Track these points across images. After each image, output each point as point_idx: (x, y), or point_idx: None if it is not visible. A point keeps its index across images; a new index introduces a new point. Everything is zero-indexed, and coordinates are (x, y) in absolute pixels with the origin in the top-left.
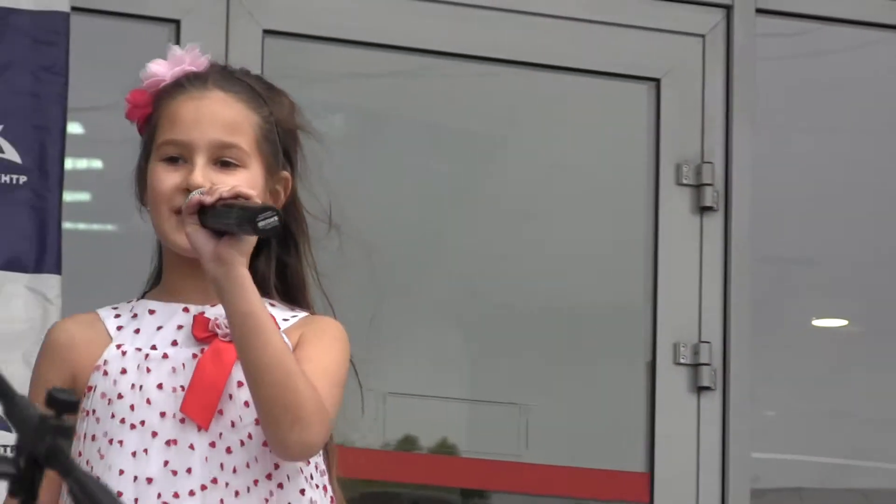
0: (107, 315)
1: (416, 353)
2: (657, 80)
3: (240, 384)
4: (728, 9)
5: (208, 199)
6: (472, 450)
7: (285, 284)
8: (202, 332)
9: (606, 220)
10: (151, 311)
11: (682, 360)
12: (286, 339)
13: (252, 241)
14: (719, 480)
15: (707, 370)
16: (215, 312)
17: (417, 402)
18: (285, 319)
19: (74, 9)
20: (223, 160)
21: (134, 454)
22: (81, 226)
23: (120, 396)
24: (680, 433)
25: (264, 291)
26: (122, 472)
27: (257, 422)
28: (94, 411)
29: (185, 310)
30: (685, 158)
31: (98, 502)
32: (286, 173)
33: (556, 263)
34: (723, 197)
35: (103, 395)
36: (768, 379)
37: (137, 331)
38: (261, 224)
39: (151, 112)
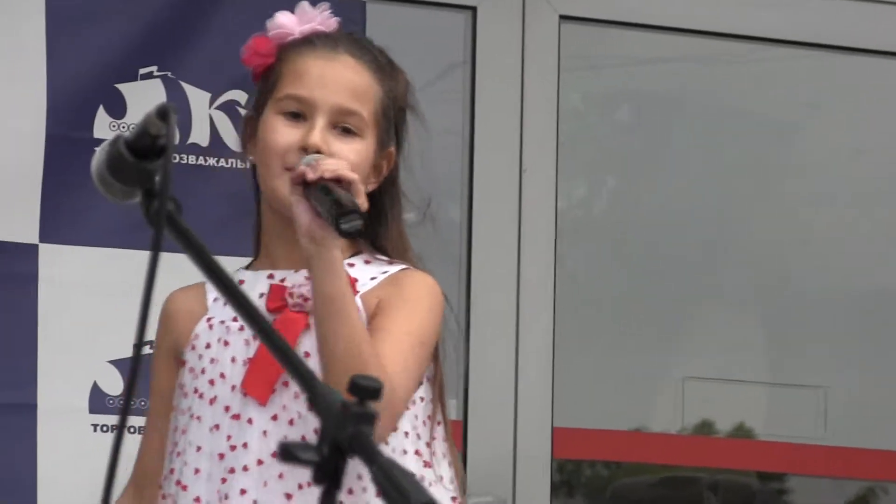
0: (210, 287)
1: (714, 336)
2: None
3: (307, 354)
4: None
5: (311, 176)
6: (770, 433)
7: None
8: (274, 303)
9: None
10: (241, 282)
11: None
12: (360, 306)
13: None
14: None
15: None
16: (296, 279)
17: (715, 386)
18: (373, 278)
19: None
20: (343, 126)
21: (212, 429)
22: None
23: (203, 371)
24: None
25: (389, 253)
26: (199, 448)
27: None
28: (182, 386)
29: (270, 276)
30: None
31: (402, 489)
32: (391, 149)
33: (855, 247)
34: None
35: (192, 369)
36: None
37: (225, 303)
38: (343, 226)
39: (274, 63)
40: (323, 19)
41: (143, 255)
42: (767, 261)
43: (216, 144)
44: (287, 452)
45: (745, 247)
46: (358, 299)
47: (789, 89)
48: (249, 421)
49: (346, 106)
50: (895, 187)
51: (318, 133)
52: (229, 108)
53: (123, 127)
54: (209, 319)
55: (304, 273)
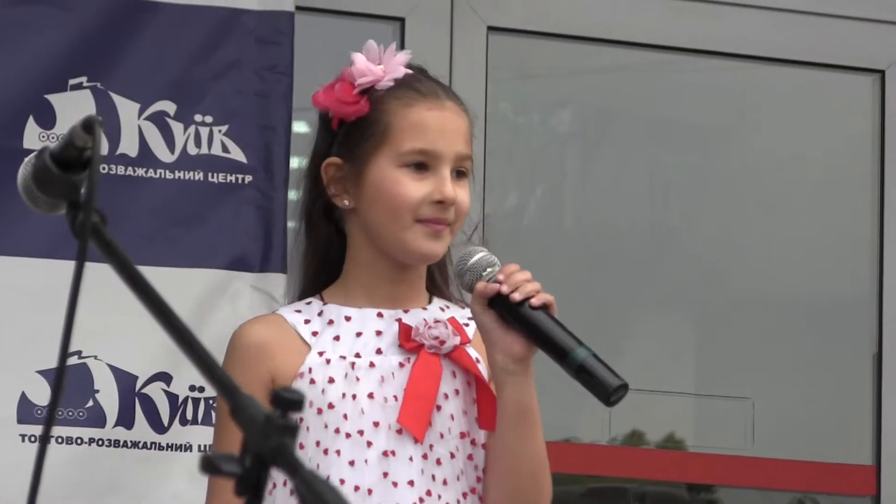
0: (294, 318)
1: (643, 347)
2: (882, 72)
3: (446, 396)
4: None
5: (517, 297)
6: (698, 444)
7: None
8: (409, 343)
9: (833, 212)
10: (348, 318)
11: None
12: (476, 355)
13: None
14: None
15: None
16: (413, 319)
17: (643, 397)
18: (466, 324)
19: (299, 8)
20: (459, 170)
21: (352, 463)
22: None
23: (331, 406)
24: None
25: (439, 291)
26: (342, 481)
27: (462, 435)
28: (301, 420)
29: (380, 315)
30: None
31: (326, 501)
32: None
33: (783, 255)
34: None
35: (311, 403)
36: None
37: (337, 338)
38: (612, 399)
39: (370, 112)
40: (403, 60)
41: (72, 266)
42: (696, 270)
43: (145, 155)
44: (209, 464)
45: (675, 257)
46: (472, 348)
47: (719, 98)
48: (410, 458)
49: (463, 152)
50: (824, 197)
51: (450, 184)
52: (158, 119)
53: (53, 137)
54: (321, 353)
55: (418, 314)
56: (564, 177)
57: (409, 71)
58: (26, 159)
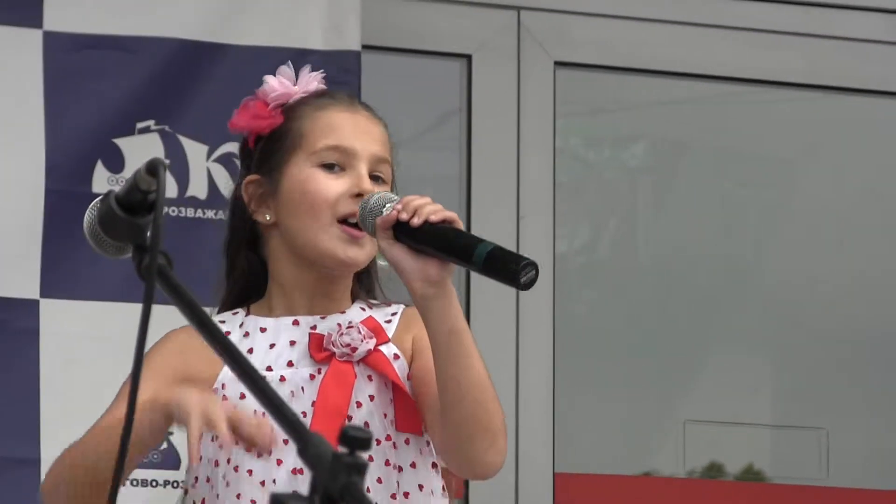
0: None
1: (719, 378)
2: None
3: (358, 405)
4: None
5: (416, 221)
6: (772, 475)
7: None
8: (319, 353)
9: None
10: (262, 329)
11: None
12: (395, 350)
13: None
14: None
15: None
16: (327, 326)
17: (717, 429)
18: (388, 321)
19: (365, 47)
20: (376, 174)
21: (262, 483)
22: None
23: None
24: None
25: (361, 293)
26: (253, 502)
27: (379, 441)
28: (215, 437)
29: (295, 322)
30: None
31: None
32: None
33: (858, 288)
34: None
35: None
36: None
37: (251, 350)
38: (523, 279)
39: (283, 122)
40: (317, 78)
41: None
42: (770, 303)
43: (214, 197)
44: (279, 503)
45: (749, 289)
46: (391, 346)
47: (790, 130)
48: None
49: (381, 154)
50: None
51: (368, 181)
52: (227, 161)
53: (122, 181)
54: None
55: (334, 319)
56: (636, 211)
57: (323, 87)
58: (92, 204)
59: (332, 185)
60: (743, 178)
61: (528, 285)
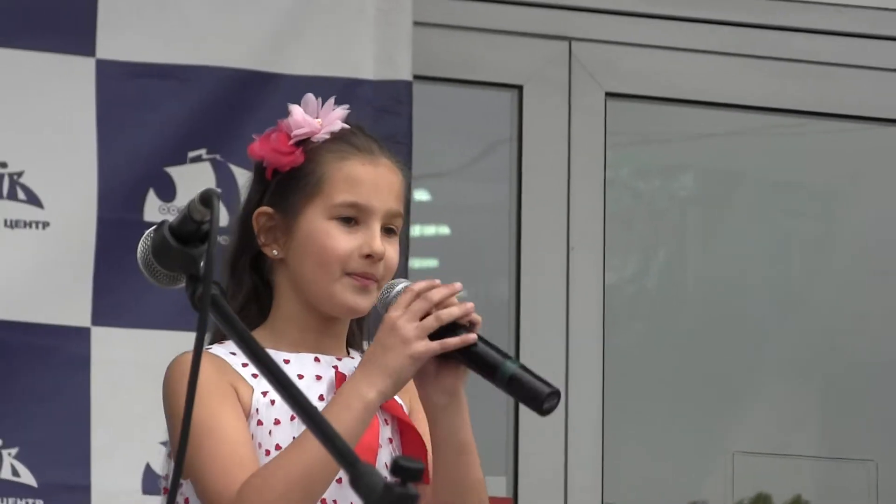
0: (232, 360)
1: (766, 409)
2: None
3: (380, 446)
4: None
5: (472, 338)
6: None
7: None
8: None
9: None
10: (287, 361)
11: None
12: (400, 401)
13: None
14: None
15: None
16: (349, 367)
17: (765, 460)
18: None
19: (417, 77)
20: (388, 227)
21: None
22: None
23: (278, 447)
24: None
25: (356, 344)
26: None
27: None
28: (259, 445)
29: (316, 360)
30: None
31: None
32: None
33: None
34: None
35: (259, 445)
36: None
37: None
38: (545, 407)
39: (305, 163)
40: (341, 115)
41: (193, 337)
42: (817, 334)
43: None
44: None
45: (795, 320)
46: (396, 396)
47: (836, 160)
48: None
49: (396, 209)
50: None
51: (379, 239)
52: None
53: (173, 210)
54: (265, 393)
55: (350, 363)
56: (686, 241)
57: (347, 125)
58: (145, 234)
59: (345, 243)
60: (790, 208)
61: (549, 412)
